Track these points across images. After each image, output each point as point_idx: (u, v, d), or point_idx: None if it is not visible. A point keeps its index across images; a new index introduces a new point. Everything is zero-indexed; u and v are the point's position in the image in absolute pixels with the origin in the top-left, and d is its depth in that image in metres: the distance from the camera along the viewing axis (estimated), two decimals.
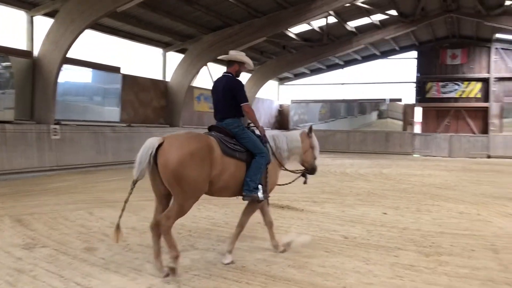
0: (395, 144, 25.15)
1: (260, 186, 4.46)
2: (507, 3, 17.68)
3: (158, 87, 18.03)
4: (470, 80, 24.81)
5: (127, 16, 14.63)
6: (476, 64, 24.75)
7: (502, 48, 24.15)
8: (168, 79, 18.47)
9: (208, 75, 19.72)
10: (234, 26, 16.91)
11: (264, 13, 16.67)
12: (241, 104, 4.59)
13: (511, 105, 23.76)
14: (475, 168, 16.84)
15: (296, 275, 4.18)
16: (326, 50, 21.69)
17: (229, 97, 4.59)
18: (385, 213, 7.28)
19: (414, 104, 25.80)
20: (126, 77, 16.05)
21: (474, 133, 24.54)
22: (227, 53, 4.91)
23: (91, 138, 13.77)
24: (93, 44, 15.16)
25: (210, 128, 4.68)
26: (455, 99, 25.05)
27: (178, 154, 3.88)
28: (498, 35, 23.07)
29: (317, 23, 19.32)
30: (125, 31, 16.06)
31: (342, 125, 27.08)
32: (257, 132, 4.80)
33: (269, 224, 4.93)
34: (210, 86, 19.49)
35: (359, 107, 27.02)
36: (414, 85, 25.94)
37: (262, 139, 4.69)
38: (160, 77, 18.51)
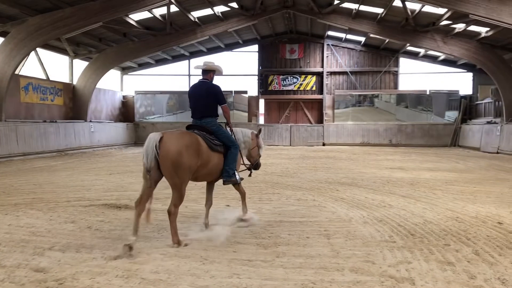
0: None
1: (236, 172, 5.56)
2: (336, 2, 19.24)
3: None
4: (307, 73, 26.69)
5: None
6: (311, 58, 26.71)
7: (333, 45, 26.45)
8: None
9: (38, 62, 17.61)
10: (65, 9, 15.21)
11: None
12: (221, 105, 5.63)
13: (341, 97, 26.22)
14: (312, 155, 18.06)
15: (122, 286, 3.66)
16: (170, 40, 21.05)
17: (211, 99, 5.56)
18: (228, 206, 7.12)
19: (257, 96, 26.81)
20: None
21: (311, 123, 26.51)
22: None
23: None
24: None
25: (190, 127, 5.54)
26: (294, 92, 26.73)
27: (176, 145, 4.71)
28: (329, 32, 25.16)
29: (159, 11, 18.60)
30: None
31: (190, 117, 26.71)
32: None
33: (242, 195, 5.92)
34: (40, 74, 17.42)
35: None
36: (257, 78, 26.96)
37: (232, 133, 5.75)
38: None
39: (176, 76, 27.60)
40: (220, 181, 5.74)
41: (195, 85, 5.79)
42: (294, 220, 6.08)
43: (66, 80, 21.10)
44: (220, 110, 5.81)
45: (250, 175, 6.33)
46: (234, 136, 5.84)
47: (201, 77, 5.83)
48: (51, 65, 20.02)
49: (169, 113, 27.12)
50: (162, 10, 18.48)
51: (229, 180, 5.53)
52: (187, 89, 27.26)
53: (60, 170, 12.33)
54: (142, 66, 27.04)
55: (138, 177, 10.72)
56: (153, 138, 4.71)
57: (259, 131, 6.45)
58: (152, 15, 18.61)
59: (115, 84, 26.71)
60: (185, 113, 26.82)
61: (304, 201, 7.57)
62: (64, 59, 21.12)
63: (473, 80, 25.78)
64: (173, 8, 18.21)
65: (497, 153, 18.49)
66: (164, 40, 21.03)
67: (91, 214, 6.44)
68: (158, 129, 26.06)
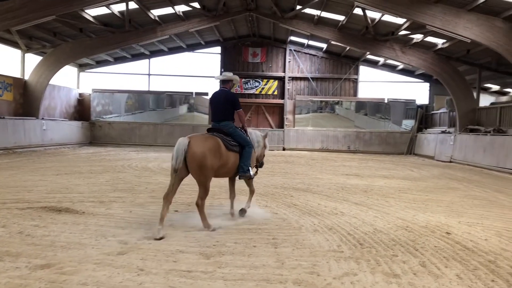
0: None
1: (250, 168, 6.30)
2: (298, 7, 19.28)
3: None
4: (269, 78, 26.65)
5: None
6: (274, 63, 26.70)
7: (295, 50, 26.54)
8: None
9: None
10: (15, 0, 14.47)
11: None
12: (237, 110, 6.40)
13: (302, 102, 26.32)
14: (271, 160, 17.91)
15: None
16: (129, 38, 20.47)
17: (228, 106, 6.32)
18: (176, 211, 6.83)
19: None
20: None
21: (272, 127, 26.47)
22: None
23: None
24: None
25: (210, 130, 6.29)
26: (256, 95, 26.63)
27: (202, 149, 5.49)
28: (292, 38, 25.24)
29: (118, 8, 18.05)
30: None
31: (151, 118, 26.17)
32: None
33: (251, 191, 6.78)
34: None
35: (169, 99, 26.44)
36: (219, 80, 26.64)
37: (246, 134, 6.48)
38: None
39: (136, 75, 26.92)
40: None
41: (216, 93, 6.53)
42: (243, 227, 5.86)
43: (17, 74, 20.10)
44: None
45: (256, 173, 6.90)
46: (249, 137, 6.55)
47: (221, 86, 6.58)
48: (0, 59, 19.05)
49: (128, 112, 26.39)
50: (121, 7, 17.97)
51: (244, 175, 6.32)
52: (147, 88, 26.93)
53: (3, 169, 11.64)
54: (100, 63, 26.22)
55: (87, 178, 10.28)
56: (182, 142, 5.45)
57: (266, 134, 7.39)
58: (110, 11, 18.02)
59: (71, 81, 25.72)
60: (145, 113, 26.21)
61: (256, 206, 7.36)
62: (15, 52, 20.13)
63: (430, 90, 26.48)
64: (132, 5, 17.73)
65: (450, 162, 18.98)
66: (123, 37, 20.44)
67: (26, 218, 6.00)
68: (115, 129, 25.48)
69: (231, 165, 6.10)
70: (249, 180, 6.61)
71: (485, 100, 23.10)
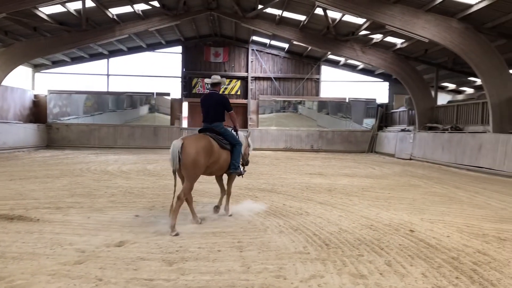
0: (164, 138, 25.00)
1: (240, 165, 6.85)
2: (260, 7, 19.22)
3: None
4: (232, 78, 26.48)
5: None
6: (236, 63, 26.57)
7: (258, 50, 26.51)
8: None
9: None
10: None
11: None
12: (229, 112, 6.74)
13: (265, 102, 26.32)
14: None
15: None
16: (86, 37, 19.80)
17: (219, 107, 6.64)
18: (137, 216, 6.58)
19: (181, 99, 26.15)
20: None
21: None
22: None
23: None
24: None
25: (202, 130, 6.64)
26: None
27: (195, 148, 5.82)
28: (254, 37, 25.18)
29: (74, 6, 17.42)
30: None
31: (110, 119, 25.45)
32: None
33: (227, 193, 7.03)
34: None
35: (129, 100, 25.80)
36: (181, 80, 26.31)
37: (236, 134, 6.89)
38: None
39: (95, 76, 26.15)
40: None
41: (206, 96, 6.85)
42: (207, 231, 5.70)
43: None
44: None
45: (245, 170, 7.24)
46: (238, 136, 6.93)
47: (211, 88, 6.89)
48: None
49: (86, 114, 25.56)
50: (77, 5, 17.33)
51: (235, 171, 6.79)
52: (105, 89, 26.17)
53: None
54: (57, 63, 25.30)
55: (43, 183, 9.83)
56: (176, 145, 5.76)
57: (249, 133, 8.09)
58: (66, 10, 17.37)
59: (26, 82, 24.71)
60: (104, 115, 25.48)
61: (220, 209, 7.20)
62: None
63: (389, 89, 27.07)
64: (89, 3, 17.15)
65: (410, 159, 19.43)
66: (80, 37, 19.76)
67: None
68: (73, 131, 24.64)
69: (223, 162, 6.52)
70: (232, 181, 7.11)
71: (442, 99, 23.83)
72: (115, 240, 5.15)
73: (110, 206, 7.36)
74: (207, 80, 6.96)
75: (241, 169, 6.92)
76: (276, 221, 6.35)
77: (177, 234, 5.44)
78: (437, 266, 4.35)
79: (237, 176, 7.12)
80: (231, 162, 6.67)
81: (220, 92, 6.93)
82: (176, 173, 5.93)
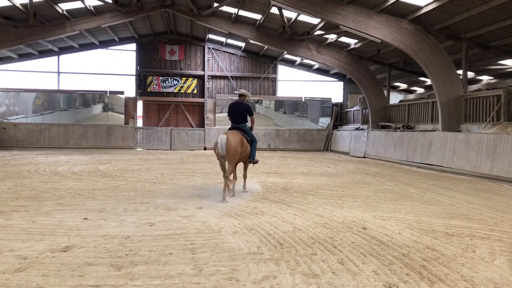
0: (117, 138, 24.40)
1: (256, 157, 9.27)
2: (216, 5, 19.06)
3: None
4: (188, 76, 26.20)
5: None
6: (192, 61, 26.30)
7: (214, 49, 26.33)
8: None
9: None
10: None
11: None
12: (250, 116, 9.23)
13: (222, 101, 26.17)
14: (192, 160, 17.60)
15: None
16: (34, 33, 18.99)
17: (244, 113, 9.07)
18: (86, 219, 6.31)
19: (135, 97, 25.58)
20: None
21: (192, 126, 26.03)
22: None
23: None
24: None
25: (233, 128, 8.87)
26: (175, 94, 26.06)
27: (235, 140, 8.17)
28: (210, 36, 24.98)
29: (19, 0, 16.63)
30: None
31: (62, 118, 24.53)
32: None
33: (244, 176, 9.41)
34: None
35: (81, 99, 24.93)
36: (135, 78, 25.74)
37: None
38: None
39: (44, 73, 25.17)
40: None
41: (235, 103, 9.24)
42: (159, 233, 5.54)
43: None
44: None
45: (257, 160, 9.48)
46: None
47: (237, 98, 9.40)
48: None
49: (36, 113, 24.55)
50: None
51: (253, 161, 9.12)
52: (56, 87, 25.25)
53: None
54: (3, 60, 24.15)
55: None
56: (224, 138, 7.99)
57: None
58: (11, 3, 16.56)
59: None
60: (55, 114, 24.55)
61: (174, 210, 7.05)
62: None
63: (344, 88, 27.62)
64: None
65: (364, 157, 19.87)
66: (28, 32, 18.93)
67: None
68: (22, 131, 23.55)
69: (246, 153, 8.82)
70: (247, 168, 9.46)
71: (394, 98, 24.53)
72: (61, 245, 4.90)
73: (58, 209, 7.04)
74: (236, 92, 7.97)
75: (257, 159, 9.28)
76: (231, 221, 6.27)
77: (227, 201, 7.81)
78: (388, 263, 4.41)
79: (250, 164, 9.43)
80: (250, 153, 9.01)
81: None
82: (222, 158, 8.14)
